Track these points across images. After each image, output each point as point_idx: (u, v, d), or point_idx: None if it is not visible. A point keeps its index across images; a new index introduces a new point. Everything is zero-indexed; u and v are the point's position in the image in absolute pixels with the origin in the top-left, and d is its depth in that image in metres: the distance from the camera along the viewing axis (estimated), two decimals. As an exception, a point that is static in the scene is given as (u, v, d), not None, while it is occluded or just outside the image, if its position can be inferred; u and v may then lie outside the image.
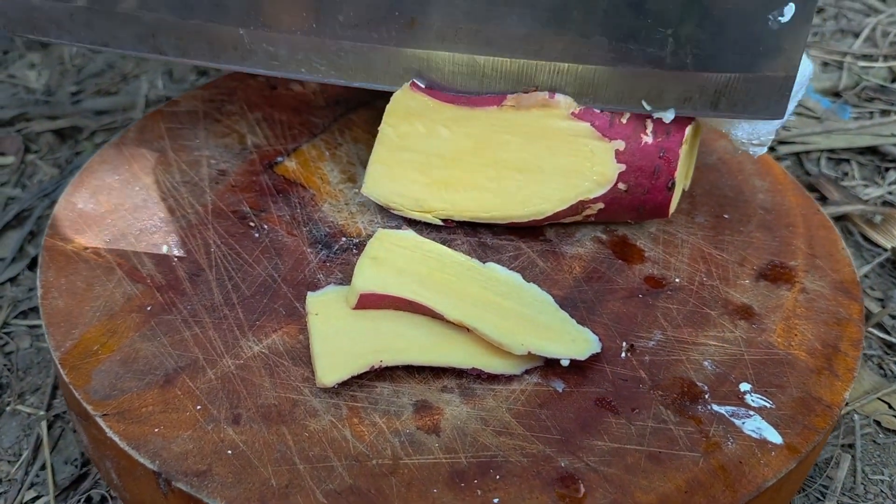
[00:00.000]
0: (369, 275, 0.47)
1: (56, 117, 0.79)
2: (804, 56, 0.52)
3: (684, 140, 0.49)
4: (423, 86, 0.51)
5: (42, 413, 0.53)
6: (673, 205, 0.52)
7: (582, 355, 0.45)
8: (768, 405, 0.44)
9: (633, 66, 0.48)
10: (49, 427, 0.52)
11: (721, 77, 0.48)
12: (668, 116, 0.49)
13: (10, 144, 0.75)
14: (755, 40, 0.46)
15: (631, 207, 0.52)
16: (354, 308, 0.46)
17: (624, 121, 0.49)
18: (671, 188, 0.51)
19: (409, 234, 0.51)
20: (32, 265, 0.64)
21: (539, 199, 0.51)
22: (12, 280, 0.63)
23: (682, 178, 0.53)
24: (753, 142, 0.51)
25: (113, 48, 0.55)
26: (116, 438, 0.41)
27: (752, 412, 0.44)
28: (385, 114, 0.52)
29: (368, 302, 0.46)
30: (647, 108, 0.49)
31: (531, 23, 0.48)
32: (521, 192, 0.52)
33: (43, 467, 0.50)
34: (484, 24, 0.49)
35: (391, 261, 0.48)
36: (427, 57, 0.50)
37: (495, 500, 0.39)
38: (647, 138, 0.49)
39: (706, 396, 0.45)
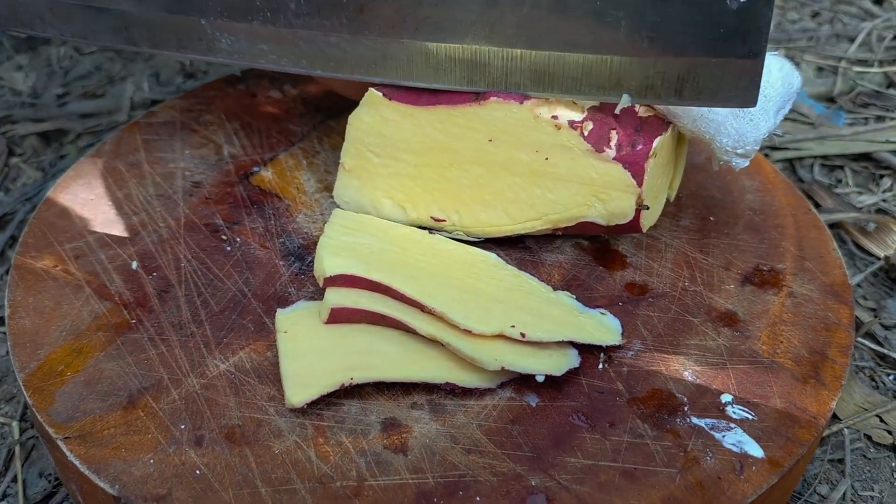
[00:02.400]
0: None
1: (41, 120, 0.78)
2: (791, 68, 0.50)
3: (652, 153, 0.47)
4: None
5: (15, 423, 0.52)
6: (651, 218, 0.51)
7: (558, 370, 0.43)
8: (750, 417, 0.43)
9: (587, 51, 0.46)
10: (23, 437, 0.51)
11: (681, 61, 0.45)
12: (625, 101, 0.47)
13: (-6, 147, 0.74)
14: (714, 21, 0.44)
15: (599, 225, 0.50)
16: (326, 322, 0.45)
17: (586, 133, 0.48)
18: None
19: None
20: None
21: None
22: (-9, 285, 0.62)
23: (659, 191, 0.51)
24: (738, 150, 0.49)
25: (92, 41, 0.56)
26: (77, 462, 0.40)
27: (732, 425, 0.42)
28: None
29: (340, 316, 0.45)
30: (604, 96, 0.47)
31: (481, 6, 0.46)
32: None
33: (15, 479, 0.49)
34: (432, 8, 0.47)
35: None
36: (382, 46, 0.49)
37: (464, 521, 0.38)
38: (611, 152, 0.48)
39: (685, 409, 0.43)
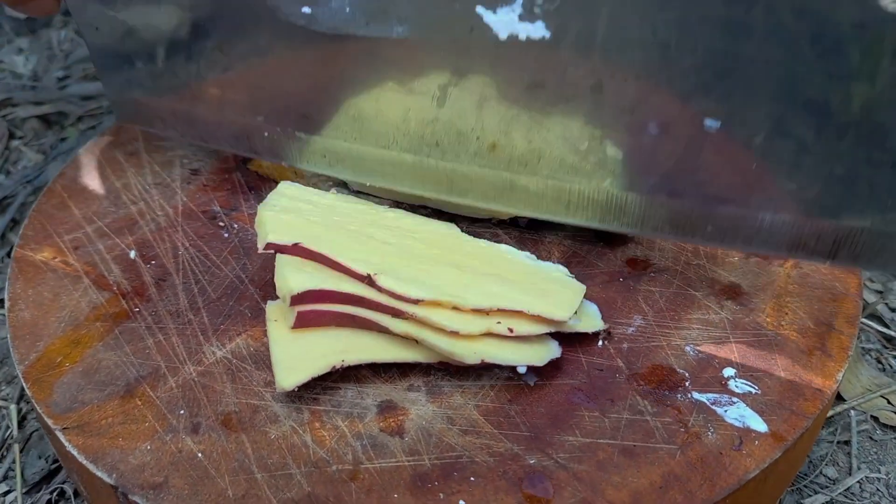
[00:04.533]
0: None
1: (42, 103, 0.78)
2: None
3: None
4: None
5: (12, 406, 0.52)
6: None
7: (540, 361, 0.42)
8: (753, 391, 0.42)
9: (737, 207, 0.43)
10: (23, 419, 0.52)
11: (841, 226, 0.41)
12: None
13: (-5, 130, 0.75)
14: (886, 191, 0.40)
15: None
16: (294, 328, 0.43)
17: None
18: None
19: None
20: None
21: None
22: (-8, 267, 0.63)
23: None
24: None
25: (213, 145, 0.56)
26: (75, 452, 0.40)
27: (735, 399, 0.41)
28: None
29: (308, 320, 0.43)
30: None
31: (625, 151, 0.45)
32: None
33: (15, 462, 0.50)
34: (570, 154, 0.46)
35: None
36: (511, 178, 0.48)
37: (461, 503, 0.37)
38: None
39: (687, 384, 0.42)
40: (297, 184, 0.50)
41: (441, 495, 0.38)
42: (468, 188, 0.49)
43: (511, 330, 0.42)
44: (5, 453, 0.50)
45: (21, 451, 0.50)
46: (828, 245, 0.42)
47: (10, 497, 0.48)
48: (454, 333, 0.41)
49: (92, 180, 0.56)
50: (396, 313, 0.42)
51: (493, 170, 0.48)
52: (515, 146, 0.47)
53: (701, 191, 0.44)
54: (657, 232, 0.46)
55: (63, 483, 0.48)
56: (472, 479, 0.38)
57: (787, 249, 0.43)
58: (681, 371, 0.43)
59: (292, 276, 0.43)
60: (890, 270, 0.44)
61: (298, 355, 0.42)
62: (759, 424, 0.40)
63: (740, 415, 0.41)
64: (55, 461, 0.49)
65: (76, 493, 0.48)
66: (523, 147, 0.47)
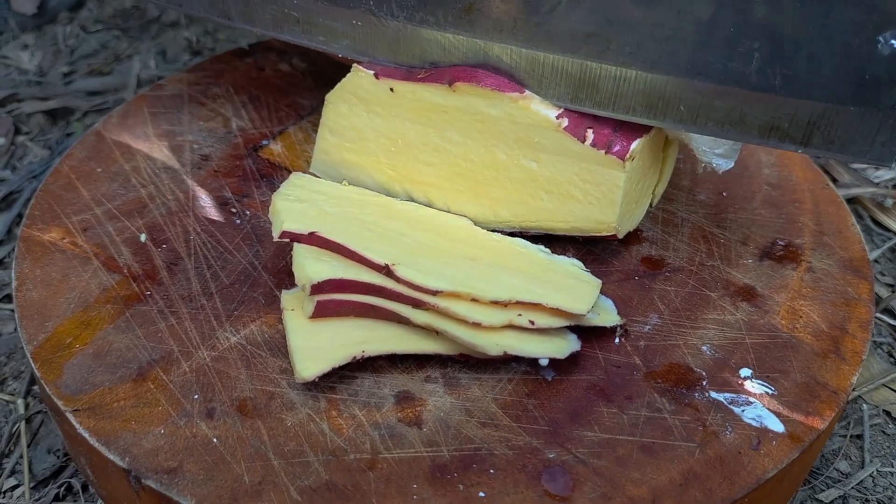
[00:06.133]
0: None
1: (47, 98, 0.77)
2: None
3: (629, 156, 0.45)
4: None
5: (19, 401, 0.51)
6: (630, 223, 0.49)
7: (562, 354, 0.42)
8: (770, 392, 0.42)
9: (712, 80, 0.42)
10: (31, 414, 0.51)
11: (816, 106, 0.41)
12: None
13: (1, 126, 0.74)
14: (861, 66, 0.39)
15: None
16: (312, 317, 0.42)
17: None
18: None
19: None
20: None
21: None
22: (-1, 262, 0.62)
23: (640, 196, 0.50)
24: (716, 150, 0.47)
25: (186, 9, 0.55)
26: (86, 434, 0.39)
27: (752, 399, 0.42)
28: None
29: (327, 309, 0.43)
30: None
31: (598, 19, 0.43)
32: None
33: (22, 456, 0.49)
34: (546, 16, 0.44)
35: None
36: (485, 47, 0.47)
37: (481, 495, 0.37)
38: None
39: (704, 383, 0.42)
40: (309, 175, 0.50)
41: (460, 487, 0.37)
42: (440, 57, 0.48)
43: (532, 322, 0.42)
44: (13, 448, 0.49)
45: (28, 447, 0.49)
46: (801, 128, 0.42)
47: (17, 492, 0.47)
48: (476, 325, 0.41)
49: (100, 162, 0.55)
50: (417, 304, 0.42)
51: (467, 37, 0.47)
52: (493, 7, 0.45)
53: (678, 62, 0.42)
54: (629, 113, 0.45)
55: (71, 478, 0.47)
56: (491, 471, 0.38)
57: (760, 133, 0.43)
58: (697, 370, 0.43)
59: (311, 266, 0.42)
60: (862, 159, 0.42)
61: (318, 345, 0.42)
62: (776, 425, 0.40)
63: (757, 415, 0.41)
64: (64, 454, 0.48)
65: (84, 488, 0.47)
66: (500, 9, 0.45)
